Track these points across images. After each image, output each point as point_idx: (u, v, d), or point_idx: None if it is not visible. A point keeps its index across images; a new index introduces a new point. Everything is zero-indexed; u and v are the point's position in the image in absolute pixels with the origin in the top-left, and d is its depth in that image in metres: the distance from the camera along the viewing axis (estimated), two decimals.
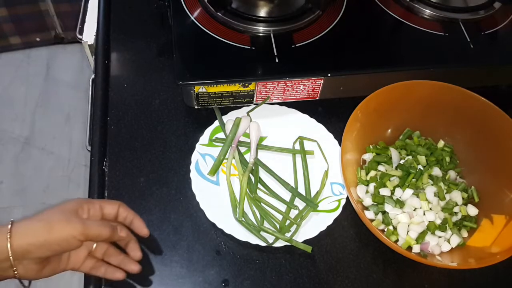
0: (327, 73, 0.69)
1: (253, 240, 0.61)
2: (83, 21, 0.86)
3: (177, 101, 0.74)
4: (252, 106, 0.72)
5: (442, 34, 0.75)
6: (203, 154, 0.68)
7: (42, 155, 1.62)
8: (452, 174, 0.67)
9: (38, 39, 1.81)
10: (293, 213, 0.65)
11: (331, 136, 0.69)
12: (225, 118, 0.71)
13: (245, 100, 0.71)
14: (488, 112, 0.65)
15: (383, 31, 0.77)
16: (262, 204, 0.65)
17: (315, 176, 0.68)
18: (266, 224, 0.63)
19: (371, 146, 0.68)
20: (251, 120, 0.70)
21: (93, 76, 0.79)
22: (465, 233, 0.63)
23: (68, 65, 1.82)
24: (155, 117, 0.72)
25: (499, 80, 0.78)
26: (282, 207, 0.65)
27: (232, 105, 0.72)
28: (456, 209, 0.63)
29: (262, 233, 0.62)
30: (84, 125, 1.66)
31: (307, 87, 0.70)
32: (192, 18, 0.73)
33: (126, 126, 0.71)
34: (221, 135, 0.70)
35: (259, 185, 0.67)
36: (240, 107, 0.72)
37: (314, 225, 0.63)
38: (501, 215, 0.62)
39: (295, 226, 0.63)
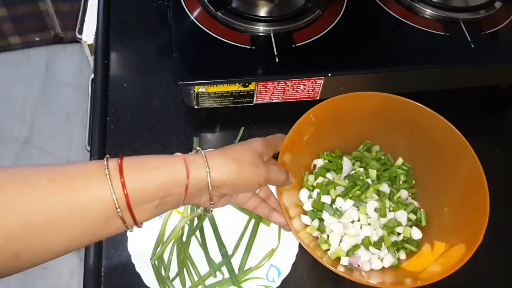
0: (328, 73, 0.69)
1: None
2: (83, 21, 0.86)
3: (177, 101, 0.74)
4: None
5: (443, 33, 0.75)
6: None
7: (42, 155, 1.62)
8: (403, 193, 0.63)
9: (37, 38, 1.82)
10: (218, 278, 0.59)
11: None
12: None
13: (245, 100, 0.71)
14: (450, 139, 0.60)
15: (383, 30, 0.77)
16: (188, 257, 0.59)
17: (261, 250, 0.60)
18: (177, 281, 0.57)
19: (325, 153, 0.66)
20: None
21: (92, 76, 0.79)
22: (403, 255, 0.59)
23: (67, 65, 1.82)
24: (155, 117, 0.72)
25: (500, 80, 0.78)
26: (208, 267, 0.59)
27: (232, 105, 0.72)
28: (399, 229, 0.60)
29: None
30: (83, 125, 1.66)
31: (307, 87, 0.70)
32: (192, 18, 0.73)
33: (126, 126, 0.71)
34: None
35: (198, 234, 0.61)
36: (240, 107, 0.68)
37: None
38: (443, 242, 0.57)
39: None
